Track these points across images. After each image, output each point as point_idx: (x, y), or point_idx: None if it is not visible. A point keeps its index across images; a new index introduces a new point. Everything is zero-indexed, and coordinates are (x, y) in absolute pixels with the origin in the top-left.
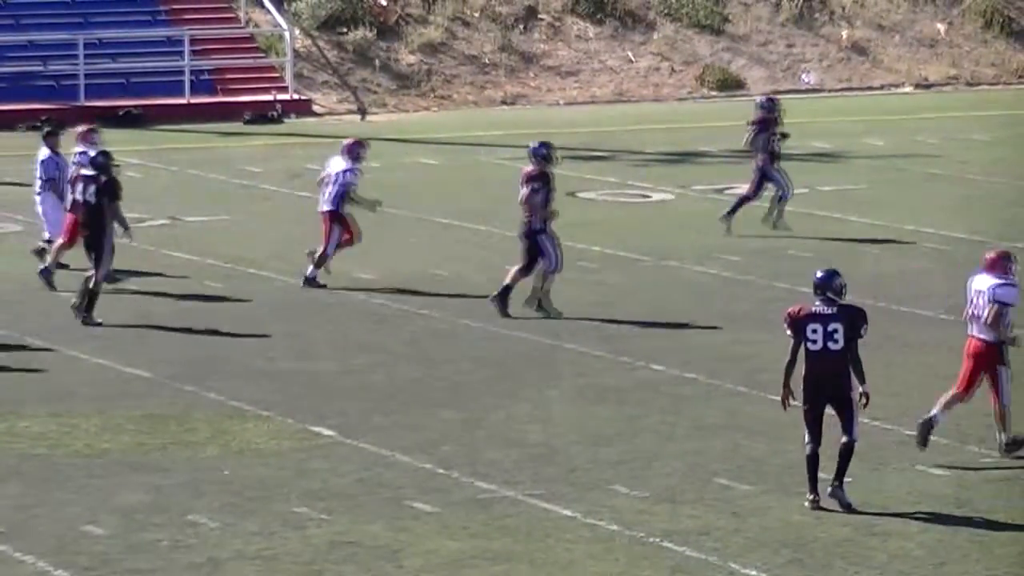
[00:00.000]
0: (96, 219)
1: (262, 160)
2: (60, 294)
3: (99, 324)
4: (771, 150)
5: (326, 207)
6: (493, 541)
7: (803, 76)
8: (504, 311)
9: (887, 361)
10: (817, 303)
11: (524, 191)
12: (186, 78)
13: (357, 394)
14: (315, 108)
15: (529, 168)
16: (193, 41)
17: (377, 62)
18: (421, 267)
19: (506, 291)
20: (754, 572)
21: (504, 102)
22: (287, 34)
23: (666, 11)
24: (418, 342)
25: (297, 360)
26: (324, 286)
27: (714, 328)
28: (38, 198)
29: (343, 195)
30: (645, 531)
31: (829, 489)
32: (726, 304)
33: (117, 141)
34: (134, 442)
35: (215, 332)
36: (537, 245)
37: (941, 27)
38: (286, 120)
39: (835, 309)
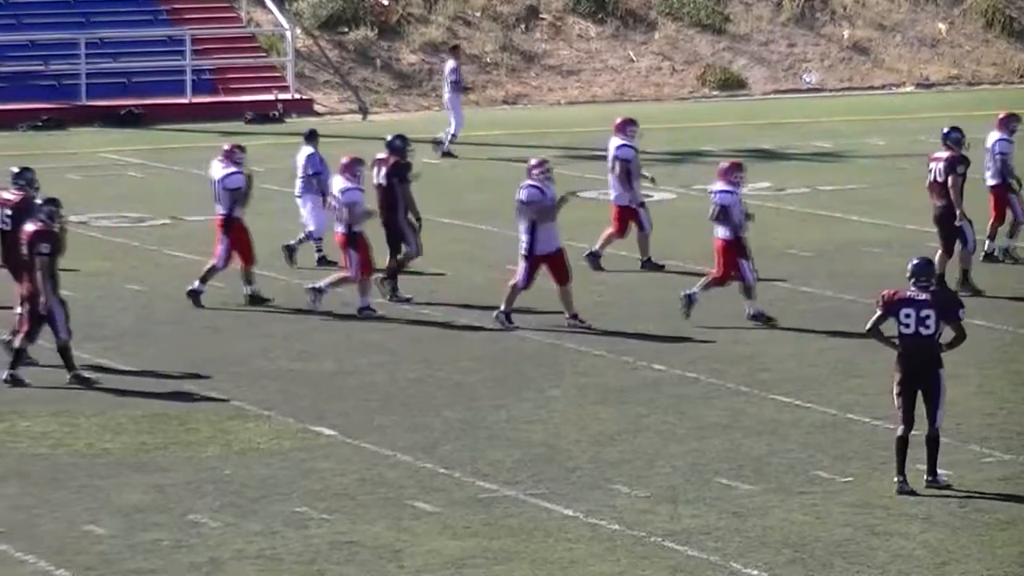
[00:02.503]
0: (388, 200)
1: (263, 160)
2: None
3: (409, 300)
4: None
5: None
6: (494, 541)
7: (804, 76)
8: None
9: (889, 361)
10: (912, 289)
11: (951, 177)
12: (187, 78)
13: (358, 394)
14: (316, 108)
15: (946, 153)
16: (194, 40)
17: (378, 61)
18: (422, 266)
19: (940, 278)
20: (755, 572)
21: (505, 101)
22: (288, 33)
23: (667, 11)
24: (419, 342)
25: (298, 360)
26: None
27: (715, 328)
28: (299, 200)
29: (1005, 167)
30: (646, 531)
31: (925, 483)
32: (727, 304)
33: (118, 141)
34: (135, 442)
35: (217, 332)
36: (960, 229)
37: (942, 27)
38: (287, 120)
39: (929, 296)
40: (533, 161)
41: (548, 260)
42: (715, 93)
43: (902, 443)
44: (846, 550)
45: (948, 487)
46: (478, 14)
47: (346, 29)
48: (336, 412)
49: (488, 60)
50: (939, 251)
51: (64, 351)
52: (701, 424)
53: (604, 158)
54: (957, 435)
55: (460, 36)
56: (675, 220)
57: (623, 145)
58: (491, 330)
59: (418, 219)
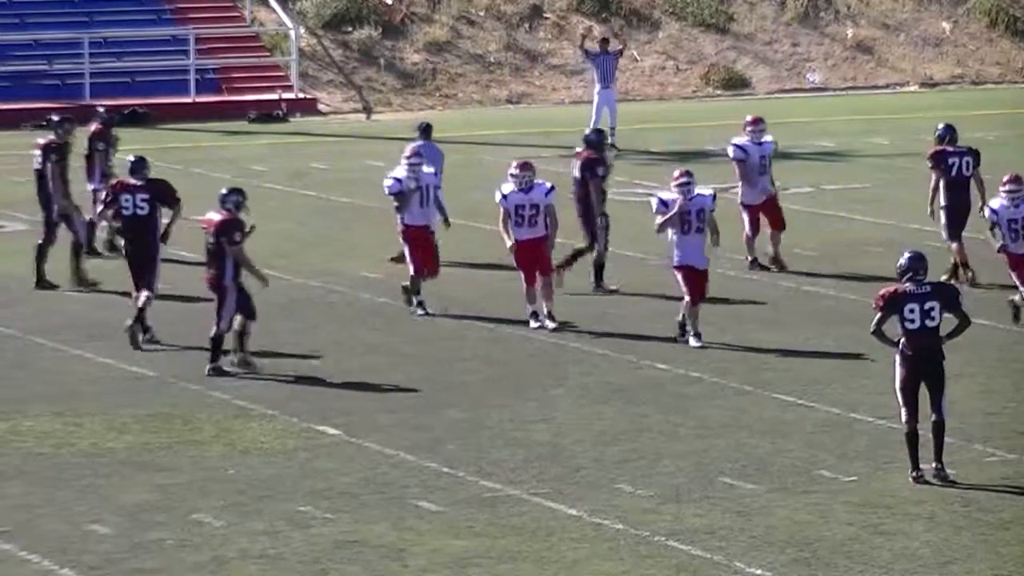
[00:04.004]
0: (581, 193)
1: (267, 159)
2: (62, 292)
3: (615, 291)
4: None
5: None
6: (498, 540)
7: (808, 75)
8: None
9: (892, 361)
10: (908, 285)
11: (977, 169)
12: (191, 77)
13: (362, 393)
14: (320, 107)
15: (960, 148)
16: (198, 40)
17: (382, 61)
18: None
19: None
20: (759, 571)
21: (509, 101)
22: (292, 33)
23: (671, 10)
24: (423, 341)
25: (302, 359)
26: None
27: (719, 327)
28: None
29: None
30: (650, 530)
31: (932, 471)
32: (731, 302)
33: (122, 140)
34: (139, 441)
35: None
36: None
37: (946, 26)
38: (291, 119)
39: (929, 288)
40: (676, 172)
41: (695, 273)
42: (719, 92)
43: (913, 438)
44: (850, 549)
45: (953, 483)
46: (482, 13)
47: (350, 28)
48: (340, 411)
49: (492, 59)
50: (956, 243)
51: (217, 341)
52: (704, 423)
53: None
54: (960, 434)
55: (464, 35)
56: None
57: (733, 144)
58: (494, 330)
59: (603, 216)
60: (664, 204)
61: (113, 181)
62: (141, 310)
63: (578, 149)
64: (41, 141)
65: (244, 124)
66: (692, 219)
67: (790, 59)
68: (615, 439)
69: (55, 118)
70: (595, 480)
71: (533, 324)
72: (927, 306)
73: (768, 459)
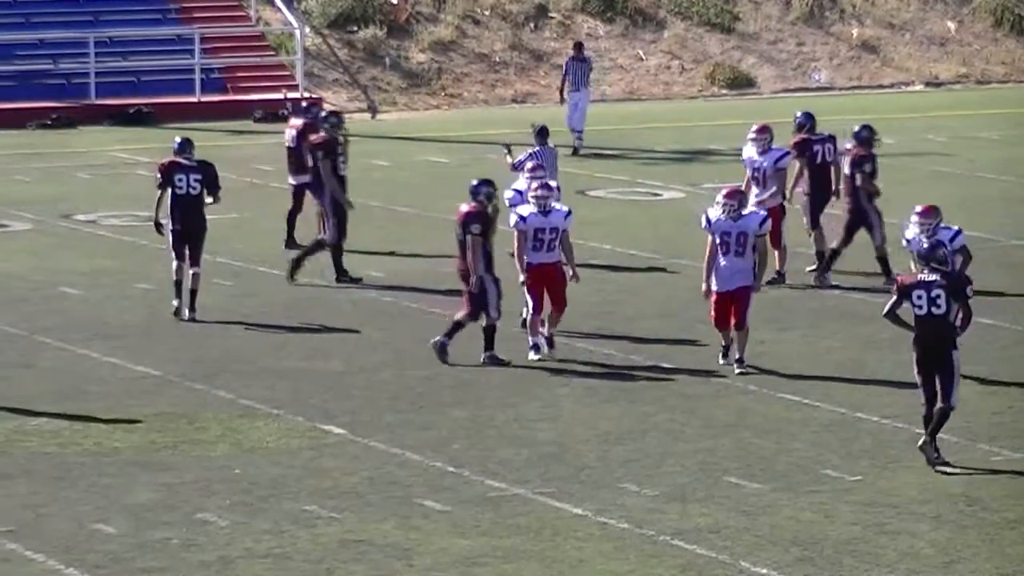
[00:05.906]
0: (850, 188)
1: (272, 159)
2: (66, 291)
3: (836, 287)
4: None
5: None
6: (503, 539)
7: (813, 75)
8: None
9: (897, 360)
10: (923, 272)
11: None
12: (196, 76)
13: (367, 392)
14: (325, 107)
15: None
16: (203, 39)
17: (387, 60)
18: (431, 265)
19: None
20: (764, 570)
21: (514, 100)
22: (297, 32)
23: (676, 9)
24: (428, 340)
25: (307, 358)
26: None
27: None
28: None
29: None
30: (655, 529)
31: (919, 443)
32: None
33: (127, 140)
34: (144, 441)
35: (225, 330)
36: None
37: (951, 25)
38: None
39: (938, 276)
40: (724, 190)
41: (730, 297)
42: (724, 92)
43: (927, 420)
44: (855, 549)
45: (947, 464)
46: (487, 13)
47: (355, 28)
48: (345, 411)
49: (497, 59)
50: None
51: (489, 331)
52: (710, 423)
53: (612, 157)
54: (966, 434)
55: (469, 35)
56: (683, 219)
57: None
58: (500, 329)
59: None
60: (709, 224)
61: (166, 160)
62: (194, 291)
63: (848, 145)
64: (313, 138)
65: (249, 123)
66: (731, 241)
67: (795, 59)
68: (620, 438)
69: (323, 114)
70: (600, 479)
71: (533, 356)
72: (933, 293)
73: (773, 458)
